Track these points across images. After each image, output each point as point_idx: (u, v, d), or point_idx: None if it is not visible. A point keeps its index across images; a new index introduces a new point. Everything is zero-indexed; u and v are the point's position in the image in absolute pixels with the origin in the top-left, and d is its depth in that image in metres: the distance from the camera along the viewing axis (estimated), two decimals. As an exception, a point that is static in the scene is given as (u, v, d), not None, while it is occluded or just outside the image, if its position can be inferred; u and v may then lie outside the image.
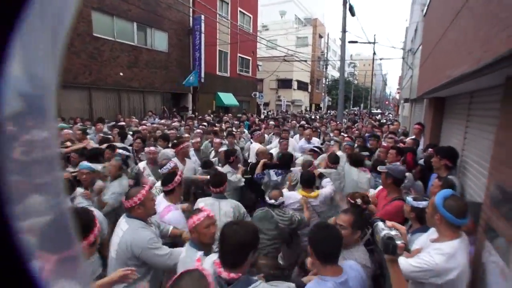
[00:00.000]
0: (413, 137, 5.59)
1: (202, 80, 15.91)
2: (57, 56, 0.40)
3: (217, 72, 18.29)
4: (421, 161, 3.98)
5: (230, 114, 13.49)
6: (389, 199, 2.79)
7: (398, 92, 24.63)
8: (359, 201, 2.64)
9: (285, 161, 3.97)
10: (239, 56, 20.44)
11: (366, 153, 4.37)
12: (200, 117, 10.92)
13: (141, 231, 2.06)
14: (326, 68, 34.83)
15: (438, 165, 3.13)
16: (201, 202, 2.82)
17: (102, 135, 5.55)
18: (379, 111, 40.46)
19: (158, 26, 14.03)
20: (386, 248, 1.30)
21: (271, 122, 10.42)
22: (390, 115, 23.88)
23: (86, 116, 10.67)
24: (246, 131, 7.67)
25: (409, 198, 2.26)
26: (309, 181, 3.31)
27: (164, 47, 14.60)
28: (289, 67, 27.15)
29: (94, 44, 11.37)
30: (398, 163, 3.53)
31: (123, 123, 8.03)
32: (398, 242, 1.28)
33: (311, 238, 1.60)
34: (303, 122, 9.69)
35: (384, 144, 5.02)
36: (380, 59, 26.62)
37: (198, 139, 5.28)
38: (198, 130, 6.34)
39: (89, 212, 1.85)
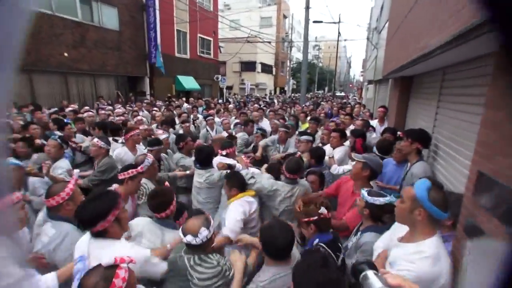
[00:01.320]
0: (363, 119, 5.64)
1: (159, 63, 15.02)
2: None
3: (176, 54, 17.36)
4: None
5: (184, 99, 12.93)
6: (357, 196, 2.29)
7: (362, 75, 25.56)
8: (323, 211, 1.82)
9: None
10: (200, 37, 19.56)
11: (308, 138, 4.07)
12: (147, 101, 10.28)
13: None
14: (291, 50, 34.90)
15: (409, 149, 2.90)
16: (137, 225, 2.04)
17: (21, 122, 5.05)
18: (343, 94, 41.78)
19: (105, 0, 12.77)
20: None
21: (231, 106, 10.30)
22: (355, 98, 24.67)
23: (26, 101, 9.62)
24: (200, 116, 7.39)
25: (363, 192, 1.95)
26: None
27: (114, 25, 13.38)
28: (252, 49, 26.74)
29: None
30: (373, 154, 3.22)
31: (75, 107, 7.49)
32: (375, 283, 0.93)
33: (298, 279, 1.24)
34: (256, 106, 9.60)
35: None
36: (345, 40, 27.22)
37: (146, 126, 4.98)
38: (139, 117, 5.92)
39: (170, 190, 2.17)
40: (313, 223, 1.82)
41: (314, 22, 17.67)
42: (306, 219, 1.83)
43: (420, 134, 2.97)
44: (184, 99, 12.87)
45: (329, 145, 4.12)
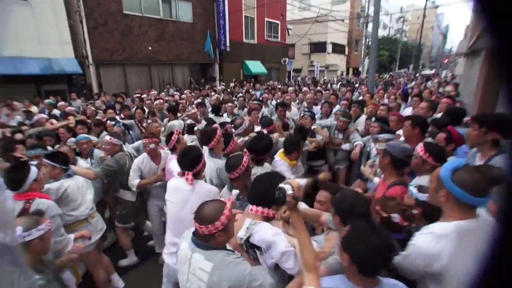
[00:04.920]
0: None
1: (228, 49, 16.06)
2: None
3: (244, 40, 18.16)
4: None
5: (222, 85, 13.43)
6: (386, 185, 2.16)
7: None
8: (395, 216, 1.55)
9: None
10: (267, 21, 19.85)
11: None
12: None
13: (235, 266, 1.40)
14: (367, 26, 31.91)
15: (480, 139, 2.20)
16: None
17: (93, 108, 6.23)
18: (431, 71, 36.01)
19: (182, -3, 14.28)
20: (278, 198, 1.36)
21: (290, 88, 10.39)
22: (450, 74, 19.82)
23: (122, 90, 11.92)
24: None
25: (412, 188, 1.78)
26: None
27: (188, 18, 14.89)
28: (323, 28, 25.57)
29: (125, 21, 12.17)
30: (401, 139, 2.90)
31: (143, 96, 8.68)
32: (288, 192, 1.33)
33: (348, 243, 1.23)
34: (305, 89, 9.39)
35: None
36: (436, 7, 22.23)
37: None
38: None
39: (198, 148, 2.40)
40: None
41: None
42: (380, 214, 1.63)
43: (498, 120, 2.17)
44: (251, 84, 13.56)
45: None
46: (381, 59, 41.03)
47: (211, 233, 1.37)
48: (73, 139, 3.88)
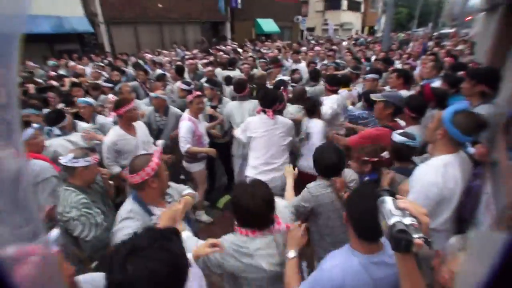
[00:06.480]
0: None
1: (239, 6, 15.31)
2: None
3: (256, -4, 17.21)
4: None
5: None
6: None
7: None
8: (385, 154, 1.98)
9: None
10: (280, -26, 18.59)
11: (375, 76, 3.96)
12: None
13: None
14: (386, -21, 29.55)
15: (469, 92, 2.47)
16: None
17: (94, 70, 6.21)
18: (450, 30, 33.52)
19: None
20: (397, 244, 0.89)
21: (303, 48, 10.02)
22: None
23: (134, 50, 11.70)
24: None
25: (395, 133, 1.96)
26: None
27: (198, -28, 14.07)
28: (338, -18, 23.85)
29: (133, -24, 11.61)
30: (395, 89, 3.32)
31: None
32: (415, 236, 0.85)
33: (350, 206, 1.28)
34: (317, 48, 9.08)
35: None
36: None
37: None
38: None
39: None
40: (372, 163, 1.98)
41: None
42: (366, 158, 1.98)
43: (487, 73, 2.46)
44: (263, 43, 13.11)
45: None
46: (399, 17, 38.44)
47: (144, 180, 1.50)
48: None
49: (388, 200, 0.97)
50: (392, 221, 0.89)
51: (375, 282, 1.21)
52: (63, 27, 10.19)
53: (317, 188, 1.87)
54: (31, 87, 4.41)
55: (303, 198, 1.89)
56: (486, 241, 1.22)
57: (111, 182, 2.27)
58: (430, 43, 11.86)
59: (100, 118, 3.43)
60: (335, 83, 3.55)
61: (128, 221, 1.50)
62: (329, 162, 1.83)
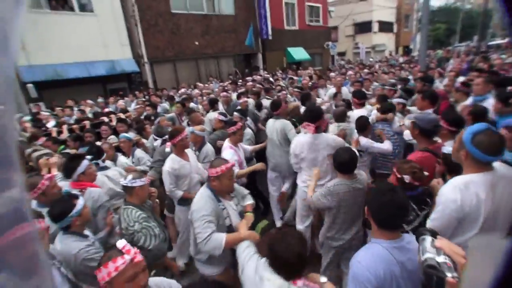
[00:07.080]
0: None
1: (270, 37, 16.11)
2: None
3: (285, 27, 18.02)
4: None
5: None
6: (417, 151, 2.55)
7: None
8: (406, 178, 1.89)
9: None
10: (307, 5, 19.36)
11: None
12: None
13: None
14: (418, -2, 29.05)
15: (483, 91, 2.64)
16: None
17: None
18: (504, 41, 29.94)
19: (223, -10, 14.66)
20: (428, 280, 0.90)
21: (332, 74, 10.07)
22: None
23: (174, 85, 12.80)
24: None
25: (445, 147, 2.02)
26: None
27: (230, 10, 15.26)
28: (367, 6, 24.12)
29: (173, 20, 12.98)
30: (430, 110, 3.29)
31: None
32: (448, 275, 0.86)
33: (369, 201, 1.48)
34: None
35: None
36: None
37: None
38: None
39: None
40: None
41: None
42: (409, 181, 1.89)
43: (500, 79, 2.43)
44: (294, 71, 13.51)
45: None
46: (437, 33, 36.96)
47: (218, 174, 2.05)
48: (114, 137, 4.18)
49: (427, 239, 1.01)
50: (424, 256, 0.94)
51: (401, 265, 1.34)
52: (115, 69, 11.59)
53: (334, 184, 2.31)
54: (87, 123, 5.08)
55: (322, 193, 2.34)
56: (491, 247, 1.21)
57: (157, 200, 2.60)
58: (473, 57, 11.16)
59: (138, 153, 3.79)
60: (362, 97, 4.02)
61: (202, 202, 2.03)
62: (342, 160, 2.26)
